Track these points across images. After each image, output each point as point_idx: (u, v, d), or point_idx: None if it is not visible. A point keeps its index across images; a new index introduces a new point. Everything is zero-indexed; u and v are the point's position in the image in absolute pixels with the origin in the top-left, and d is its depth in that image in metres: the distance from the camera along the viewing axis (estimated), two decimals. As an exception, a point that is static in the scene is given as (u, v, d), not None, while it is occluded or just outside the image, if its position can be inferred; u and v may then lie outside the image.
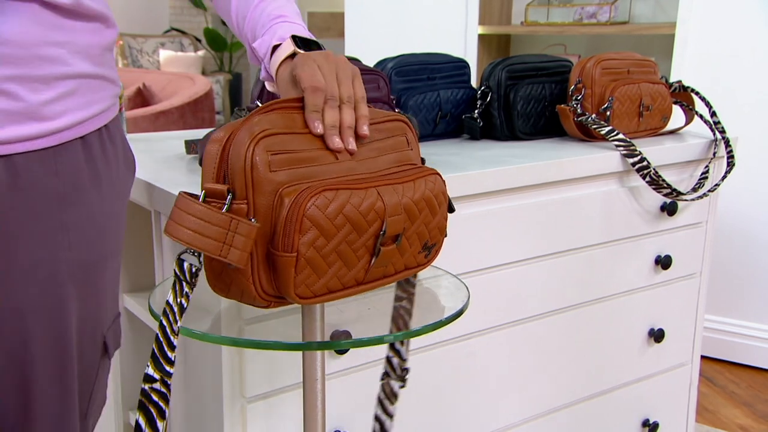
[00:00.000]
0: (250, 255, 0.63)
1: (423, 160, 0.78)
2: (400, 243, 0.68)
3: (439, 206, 0.72)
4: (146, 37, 5.80)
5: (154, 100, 3.02)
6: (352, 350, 1.07)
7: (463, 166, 1.15)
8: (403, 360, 0.86)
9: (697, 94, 1.47)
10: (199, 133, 1.45)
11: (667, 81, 1.47)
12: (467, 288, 0.80)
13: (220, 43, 6.17)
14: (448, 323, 0.75)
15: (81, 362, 0.80)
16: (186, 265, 0.64)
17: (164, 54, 5.46)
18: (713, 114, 1.43)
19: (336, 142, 0.68)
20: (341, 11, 2.87)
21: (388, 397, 0.89)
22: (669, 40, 2.25)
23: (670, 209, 1.39)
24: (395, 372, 0.87)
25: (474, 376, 1.23)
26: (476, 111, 1.38)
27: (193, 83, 2.98)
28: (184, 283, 0.64)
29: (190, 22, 6.30)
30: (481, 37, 2.50)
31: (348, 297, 0.67)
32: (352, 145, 0.69)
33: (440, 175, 0.73)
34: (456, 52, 2.45)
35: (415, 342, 1.13)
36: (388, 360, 0.87)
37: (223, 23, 6.01)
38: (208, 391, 0.99)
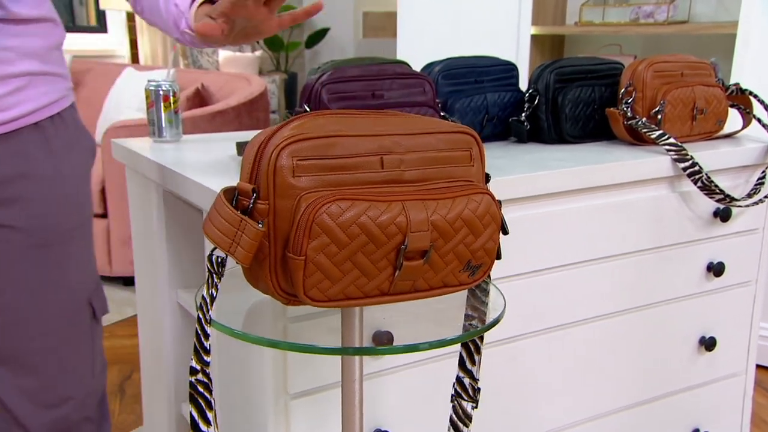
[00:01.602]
0: (270, 253, 0.65)
1: (488, 177, 0.77)
2: (428, 259, 0.67)
3: (485, 227, 0.69)
4: (206, 37, 5.93)
5: (212, 100, 3.10)
6: (394, 351, 1.09)
7: (509, 170, 1.15)
8: (474, 380, 0.85)
9: (755, 97, 1.43)
10: (252, 135, 1.48)
11: (723, 83, 1.43)
12: (503, 296, 0.80)
13: (277, 44, 6.27)
14: (483, 332, 0.76)
15: (74, 323, 0.96)
16: (214, 257, 0.68)
17: (223, 54, 5.59)
18: (771, 117, 1.38)
19: None
20: (396, 11, 2.89)
21: (461, 419, 0.87)
22: (731, 40, 2.18)
23: (723, 215, 1.35)
24: (467, 393, 0.86)
25: (518, 380, 1.23)
26: (523, 114, 1.37)
27: (249, 84, 3.05)
28: (214, 275, 0.68)
29: (248, 22, 6.41)
30: (534, 37, 2.48)
31: (373, 305, 0.67)
32: None
33: (492, 196, 0.70)
34: (508, 53, 2.44)
35: (455, 345, 1.13)
36: (459, 380, 0.86)
37: (281, 24, 6.13)
38: (253, 387, 1.02)
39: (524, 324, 1.21)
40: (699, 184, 1.26)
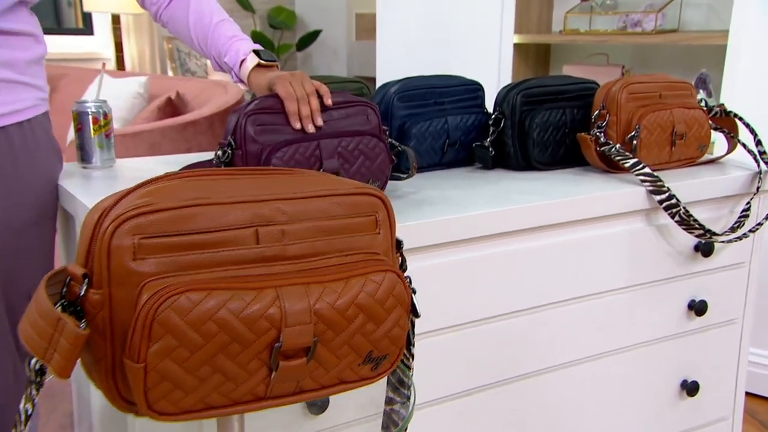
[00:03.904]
0: (107, 354, 0.52)
1: (399, 243, 0.64)
2: (313, 356, 0.54)
3: (388, 312, 0.56)
4: (195, 40, 5.83)
5: (187, 109, 2.98)
6: (331, 408, 0.98)
7: (469, 205, 1.04)
8: None
9: (740, 119, 1.31)
10: (198, 157, 1.39)
11: (707, 105, 1.32)
12: (414, 393, 0.67)
13: (267, 46, 6.16)
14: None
15: (13, 311, 0.99)
16: (33, 362, 0.53)
17: (211, 57, 5.49)
18: (758, 143, 1.27)
19: (311, 127, 0.96)
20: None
21: None
22: (723, 49, 2.06)
23: (705, 250, 1.24)
24: None
25: (491, 429, 1.12)
26: (488, 139, 1.26)
27: (225, 92, 2.93)
28: (33, 386, 0.53)
29: (238, 24, 6.32)
30: (517, 46, 2.36)
31: (250, 413, 0.55)
32: (320, 121, 0.97)
33: (397, 274, 0.57)
34: (491, 62, 2.32)
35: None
36: None
37: (271, 26, 6.01)
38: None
39: (491, 372, 1.10)
40: (676, 218, 1.14)
